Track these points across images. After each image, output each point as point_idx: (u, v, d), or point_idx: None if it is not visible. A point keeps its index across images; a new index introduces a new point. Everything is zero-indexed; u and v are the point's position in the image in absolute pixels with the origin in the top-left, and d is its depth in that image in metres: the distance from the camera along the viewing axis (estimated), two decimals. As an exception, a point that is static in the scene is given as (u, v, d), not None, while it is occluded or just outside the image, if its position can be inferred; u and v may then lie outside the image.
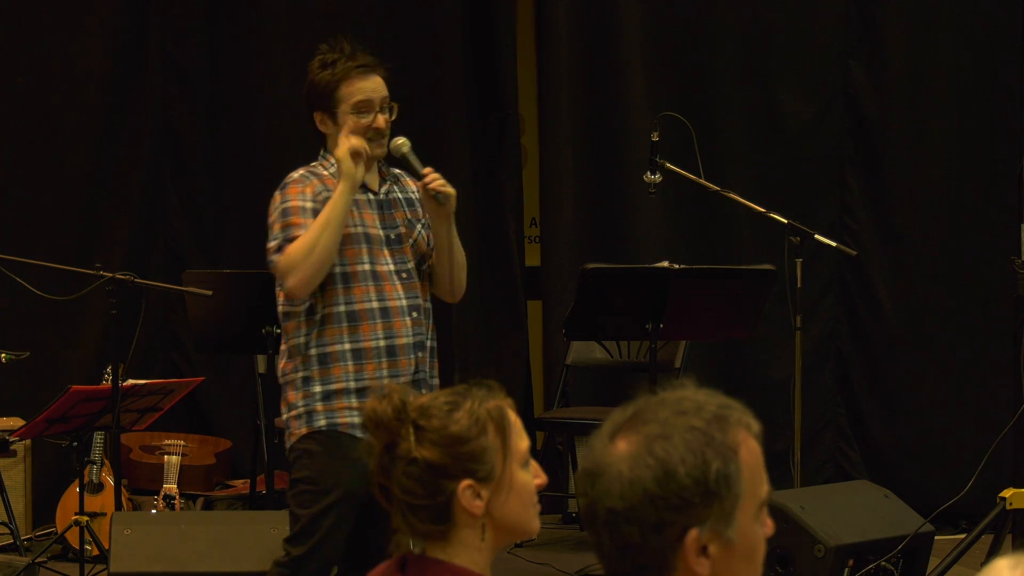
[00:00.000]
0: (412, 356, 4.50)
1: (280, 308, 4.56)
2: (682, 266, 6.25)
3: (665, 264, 6.43)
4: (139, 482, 7.04)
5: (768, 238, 7.01)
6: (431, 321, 4.61)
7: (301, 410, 4.49)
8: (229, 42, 7.57)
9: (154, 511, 6.73)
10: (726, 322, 6.27)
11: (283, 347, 4.58)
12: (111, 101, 7.42)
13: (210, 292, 6.07)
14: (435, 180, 4.46)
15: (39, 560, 6.38)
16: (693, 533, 1.95)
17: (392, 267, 4.52)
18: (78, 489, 5.99)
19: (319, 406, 4.47)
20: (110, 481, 6.59)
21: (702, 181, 6.30)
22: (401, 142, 4.54)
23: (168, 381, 6.41)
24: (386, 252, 4.52)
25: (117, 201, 7.44)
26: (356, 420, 4.44)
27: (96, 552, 6.17)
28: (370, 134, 4.49)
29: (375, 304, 4.48)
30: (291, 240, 4.41)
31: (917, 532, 5.51)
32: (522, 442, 2.49)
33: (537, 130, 8.02)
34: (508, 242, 7.73)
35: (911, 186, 7.74)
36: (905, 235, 7.73)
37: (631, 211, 7.65)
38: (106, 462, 6.64)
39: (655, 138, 6.32)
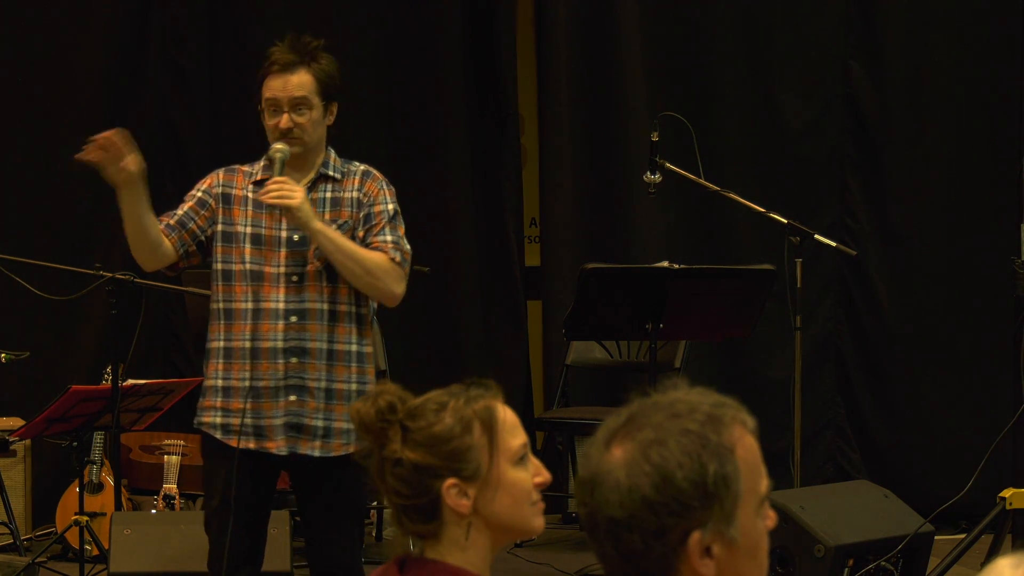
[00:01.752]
0: (279, 361, 4.44)
1: None
2: (682, 266, 6.24)
3: (665, 264, 6.43)
4: (139, 482, 7.03)
5: (768, 238, 7.00)
6: (351, 325, 4.52)
7: None
8: (229, 42, 7.57)
9: (154, 511, 6.72)
10: (726, 322, 6.27)
11: None
12: (111, 101, 7.41)
13: (210, 292, 6.06)
14: (269, 192, 4.41)
15: (39, 560, 6.37)
16: (695, 536, 1.94)
17: (283, 270, 4.48)
18: (78, 489, 5.99)
19: (198, 402, 4.56)
20: (110, 481, 6.59)
21: (702, 181, 6.30)
22: (279, 147, 4.48)
23: (168, 381, 6.41)
24: (282, 254, 4.49)
25: (117, 201, 7.41)
26: (218, 421, 4.48)
27: (96, 552, 6.17)
28: (276, 134, 4.49)
29: (249, 305, 4.46)
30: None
31: (917, 532, 5.50)
32: (514, 440, 2.49)
33: (537, 130, 8.02)
34: (508, 242, 7.72)
35: (911, 186, 7.74)
36: (905, 235, 7.73)
37: (631, 211, 7.65)
38: (106, 462, 6.64)
39: (655, 138, 6.32)
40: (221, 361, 4.49)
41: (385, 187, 4.58)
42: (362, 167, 4.61)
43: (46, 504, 6.91)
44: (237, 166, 4.62)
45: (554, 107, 7.72)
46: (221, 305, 4.51)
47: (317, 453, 4.46)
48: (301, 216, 4.39)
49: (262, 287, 4.47)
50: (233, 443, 4.45)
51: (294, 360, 4.44)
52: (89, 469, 6.51)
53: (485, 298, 7.73)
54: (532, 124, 8.08)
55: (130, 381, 6.00)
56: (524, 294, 7.77)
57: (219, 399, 4.49)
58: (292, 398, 4.44)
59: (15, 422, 6.69)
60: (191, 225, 4.55)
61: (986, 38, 7.71)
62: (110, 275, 5.86)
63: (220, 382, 4.49)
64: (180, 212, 4.58)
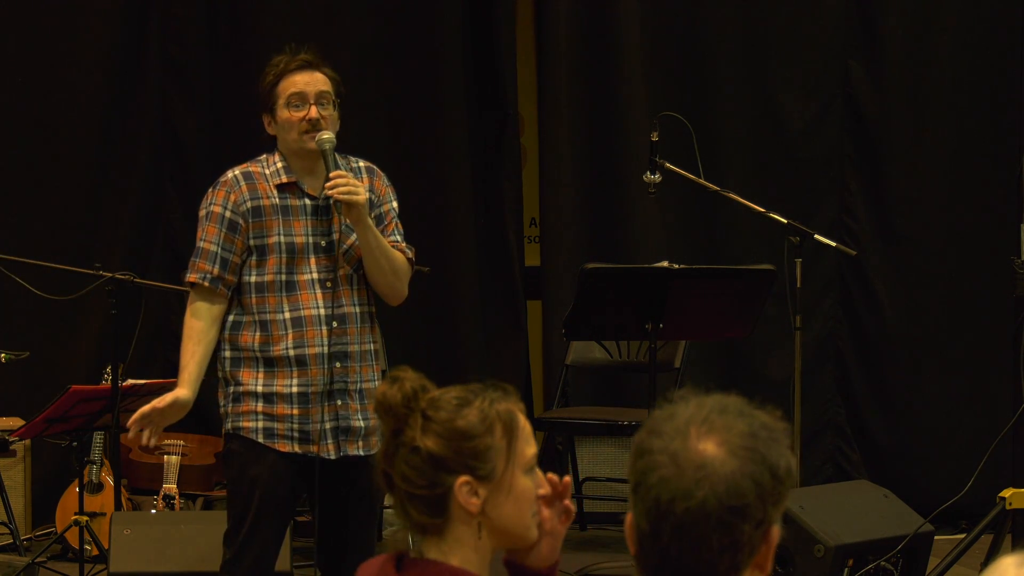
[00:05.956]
0: (325, 366, 4.47)
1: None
2: (682, 266, 6.24)
3: (665, 264, 6.42)
4: (139, 482, 7.04)
5: (768, 238, 7.00)
6: (371, 325, 4.57)
7: (222, 411, 4.56)
8: (229, 42, 7.57)
9: (154, 511, 6.73)
10: (726, 322, 6.27)
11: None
12: (111, 101, 7.42)
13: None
14: (337, 187, 4.39)
15: (39, 560, 6.38)
16: (775, 529, 1.96)
17: (316, 276, 4.48)
18: (78, 489, 5.99)
19: (231, 408, 4.54)
20: (110, 481, 6.59)
21: (702, 181, 6.30)
22: (327, 137, 4.46)
23: (168, 381, 6.37)
24: (312, 260, 4.49)
25: (117, 201, 7.43)
26: (260, 425, 4.48)
27: (96, 552, 6.17)
28: (303, 127, 4.47)
29: (287, 315, 4.46)
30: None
31: (917, 532, 5.51)
32: (529, 449, 2.49)
33: (537, 130, 8.02)
34: (508, 242, 7.72)
35: (911, 186, 7.74)
36: (905, 235, 7.73)
37: (631, 211, 7.65)
38: (106, 462, 6.64)
39: (655, 138, 6.32)
40: (262, 370, 4.48)
41: (388, 184, 4.65)
42: (363, 163, 4.64)
43: (46, 504, 6.91)
44: (250, 168, 4.57)
45: (554, 107, 7.72)
46: (256, 317, 4.49)
47: (361, 452, 4.50)
48: (362, 212, 4.42)
49: (298, 295, 4.47)
50: (279, 447, 4.46)
51: (338, 365, 4.48)
52: (89, 469, 6.51)
53: (485, 298, 7.73)
54: (532, 124, 8.07)
55: (130, 381, 6.00)
56: (524, 294, 7.77)
57: (260, 404, 4.48)
58: (338, 402, 4.48)
59: (15, 422, 6.69)
60: (231, 261, 4.53)
61: (986, 38, 7.71)
62: (110, 275, 5.87)
63: (261, 388, 4.48)
64: (214, 248, 4.52)
